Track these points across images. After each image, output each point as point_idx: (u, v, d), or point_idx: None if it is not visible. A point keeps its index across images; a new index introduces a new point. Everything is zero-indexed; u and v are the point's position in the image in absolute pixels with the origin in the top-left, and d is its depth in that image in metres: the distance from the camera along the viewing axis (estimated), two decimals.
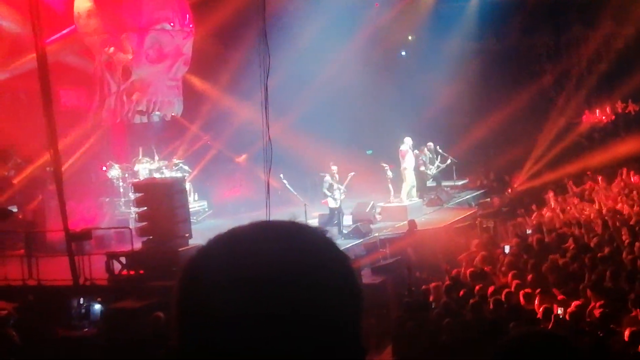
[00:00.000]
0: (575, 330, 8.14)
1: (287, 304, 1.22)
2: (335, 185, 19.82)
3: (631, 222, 15.10)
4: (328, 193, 19.73)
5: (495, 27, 27.07)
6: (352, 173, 20.20)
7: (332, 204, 19.73)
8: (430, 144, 24.10)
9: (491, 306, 9.79)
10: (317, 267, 1.28)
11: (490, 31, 27.09)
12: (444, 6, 28.68)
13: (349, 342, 1.29)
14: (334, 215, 19.64)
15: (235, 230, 1.35)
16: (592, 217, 16.83)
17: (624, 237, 13.83)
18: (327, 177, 19.86)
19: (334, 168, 20.10)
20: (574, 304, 8.95)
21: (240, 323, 1.22)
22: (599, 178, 22.03)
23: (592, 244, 13.41)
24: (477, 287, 11.26)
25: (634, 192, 19.07)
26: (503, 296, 10.09)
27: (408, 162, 21.93)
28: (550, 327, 8.35)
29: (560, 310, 8.69)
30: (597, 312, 8.49)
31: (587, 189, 21.29)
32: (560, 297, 9.71)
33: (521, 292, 10.20)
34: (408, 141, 22.20)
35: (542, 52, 28.14)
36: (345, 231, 19.28)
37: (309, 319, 1.23)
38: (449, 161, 24.29)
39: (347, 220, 20.21)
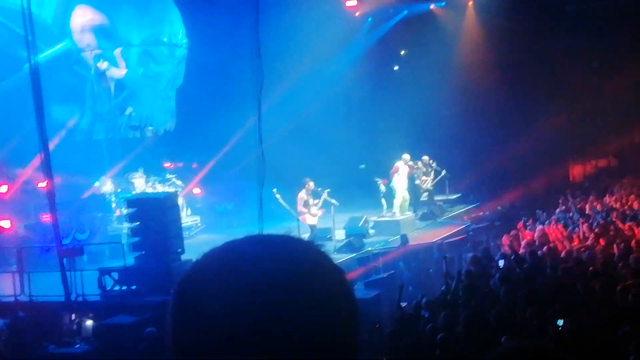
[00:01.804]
0: (574, 344, 8.13)
1: (282, 318, 1.21)
2: (311, 202, 19.64)
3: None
4: (304, 210, 19.53)
5: (488, 38, 27.17)
6: (327, 190, 19.92)
7: (309, 220, 19.54)
8: (425, 157, 24.07)
9: (487, 320, 9.77)
10: (313, 281, 1.27)
11: (484, 43, 27.19)
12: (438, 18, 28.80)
13: (344, 356, 1.28)
14: (313, 232, 19.32)
15: (229, 244, 1.34)
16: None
17: (615, 251, 13.84)
18: (302, 194, 19.60)
19: (311, 184, 19.85)
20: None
21: (236, 338, 1.21)
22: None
23: (584, 258, 13.42)
24: (471, 302, 11.26)
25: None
26: (498, 310, 10.07)
27: (400, 179, 21.90)
28: (548, 340, 8.34)
29: (560, 322, 8.69)
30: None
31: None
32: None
33: (516, 305, 10.20)
34: (406, 157, 22.22)
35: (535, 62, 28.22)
36: (337, 245, 19.23)
37: (304, 333, 1.22)
38: (442, 173, 24.29)
39: (340, 234, 20.17)
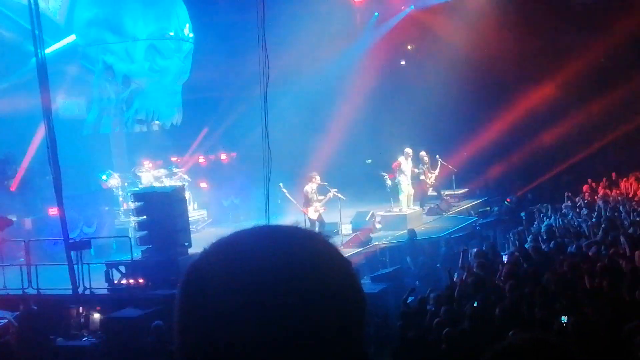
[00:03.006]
0: (579, 338, 8.11)
1: (289, 308, 1.21)
2: (316, 197, 19.57)
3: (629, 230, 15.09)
4: (308, 203, 19.45)
5: (495, 32, 27.05)
6: (335, 189, 19.77)
7: (311, 214, 19.47)
8: (422, 152, 23.80)
9: (492, 314, 9.76)
10: (320, 272, 1.27)
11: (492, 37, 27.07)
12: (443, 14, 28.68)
13: (352, 348, 1.28)
14: (314, 226, 18.91)
15: (237, 235, 1.34)
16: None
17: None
18: (307, 187, 19.52)
19: (317, 177, 19.76)
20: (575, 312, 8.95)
21: (242, 328, 1.20)
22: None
23: (590, 253, 13.38)
24: (477, 296, 11.25)
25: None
26: (504, 304, 10.06)
27: (403, 174, 21.86)
28: (552, 334, 8.34)
29: (563, 319, 8.67)
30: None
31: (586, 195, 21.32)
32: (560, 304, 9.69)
33: (521, 301, 10.18)
34: (408, 152, 22.15)
35: (542, 58, 28.08)
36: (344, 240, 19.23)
37: (311, 324, 1.22)
38: (437, 169, 24.06)
39: (347, 229, 20.17)
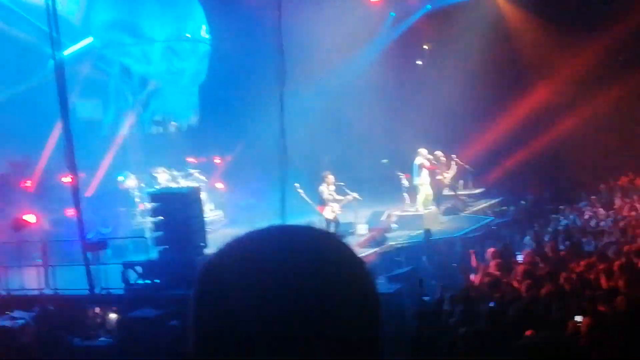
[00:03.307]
0: (594, 338, 8.08)
1: (303, 309, 1.20)
2: (332, 197, 19.34)
3: None
4: (324, 203, 19.24)
5: (513, 32, 26.97)
6: (354, 194, 19.59)
7: (327, 214, 19.27)
8: (438, 152, 23.79)
9: (508, 314, 9.74)
10: (334, 272, 1.26)
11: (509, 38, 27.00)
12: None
13: (367, 349, 1.27)
14: (329, 226, 18.56)
15: (252, 234, 1.33)
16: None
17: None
18: (323, 187, 19.28)
19: (330, 177, 19.48)
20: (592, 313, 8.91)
21: (256, 327, 1.20)
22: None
23: (609, 252, 13.32)
24: (493, 296, 11.22)
25: None
26: (520, 305, 10.03)
27: (423, 175, 21.84)
28: (568, 335, 8.30)
29: (579, 318, 8.63)
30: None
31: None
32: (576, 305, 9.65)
33: (538, 301, 10.15)
34: (423, 152, 22.09)
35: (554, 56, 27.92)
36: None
37: (325, 325, 1.21)
38: (453, 169, 24.01)
39: (363, 228, 20.15)
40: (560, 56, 27.73)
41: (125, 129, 23.55)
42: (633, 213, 17.76)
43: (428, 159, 22.19)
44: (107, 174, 22.80)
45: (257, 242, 1.32)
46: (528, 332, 7.36)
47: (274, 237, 1.32)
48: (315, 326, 1.21)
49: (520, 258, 14.35)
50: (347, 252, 1.33)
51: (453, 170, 24.02)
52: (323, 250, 1.30)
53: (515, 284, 11.99)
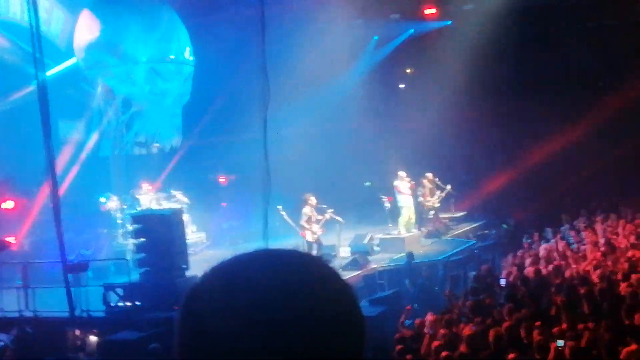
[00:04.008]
0: None
1: (289, 333, 1.20)
2: (314, 218, 19.30)
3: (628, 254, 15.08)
4: (306, 226, 19.14)
5: (495, 57, 27.16)
6: (331, 210, 19.56)
7: (309, 237, 19.16)
8: (429, 174, 24.02)
9: (490, 339, 9.75)
10: (320, 297, 1.26)
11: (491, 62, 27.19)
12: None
13: None
14: (312, 249, 18.61)
15: (237, 258, 1.33)
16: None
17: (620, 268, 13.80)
18: (306, 209, 19.23)
19: (312, 198, 19.43)
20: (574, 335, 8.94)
21: (242, 352, 1.20)
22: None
23: (590, 276, 13.38)
24: (475, 319, 11.24)
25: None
26: (502, 329, 10.05)
27: (404, 197, 21.89)
28: (549, 359, 8.33)
29: (560, 343, 8.65)
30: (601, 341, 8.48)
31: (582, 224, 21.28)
32: (557, 328, 9.68)
33: (520, 325, 10.16)
34: (402, 175, 22.13)
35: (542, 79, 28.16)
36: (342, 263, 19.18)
37: (311, 349, 1.21)
38: (447, 188, 24.19)
39: (345, 251, 20.14)
40: (544, 79, 27.99)
41: (107, 150, 23.47)
42: (614, 237, 17.85)
43: (408, 182, 22.22)
44: (88, 195, 22.66)
45: (242, 267, 1.31)
46: (511, 356, 7.40)
47: (260, 262, 1.32)
48: (302, 350, 1.21)
49: (502, 282, 14.38)
50: (332, 277, 1.33)
51: (439, 194, 24.10)
52: (309, 274, 1.30)
53: (499, 308, 12.02)
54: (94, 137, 23.31)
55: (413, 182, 22.44)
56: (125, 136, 23.10)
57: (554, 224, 21.39)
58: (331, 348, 1.23)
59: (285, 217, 19.84)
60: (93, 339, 14.21)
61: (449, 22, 28.64)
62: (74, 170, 22.04)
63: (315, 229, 19.25)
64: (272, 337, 1.20)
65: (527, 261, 16.62)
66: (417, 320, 12.23)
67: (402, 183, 22.01)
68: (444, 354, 9.52)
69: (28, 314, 15.57)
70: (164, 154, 24.46)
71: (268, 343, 1.20)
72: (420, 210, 23.56)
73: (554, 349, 8.63)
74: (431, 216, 24.07)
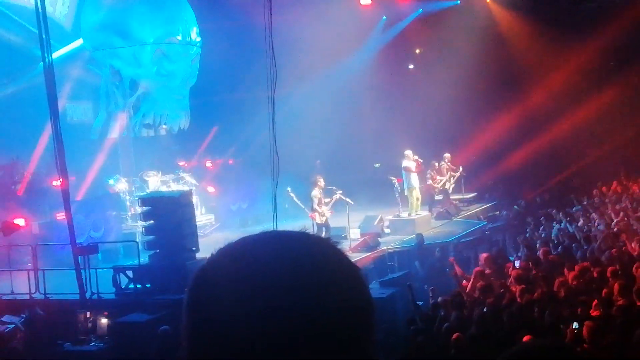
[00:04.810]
0: (590, 344, 8.04)
1: (296, 314, 1.20)
2: (324, 200, 19.34)
3: None
4: (318, 208, 19.19)
5: (504, 36, 27.00)
6: (340, 191, 19.63)
7: (318, 219, 19.21)
8: (447, 154, 24.09)
9: (502, 320, 9.70)
10: (328, 278, 1.26)
11: (500, 42, 27.01)
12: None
13: (360, 353, 1.26)
14: (321, 231, 18.67)
15: (245, 240, 1.34)
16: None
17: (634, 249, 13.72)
18: (315, 191, 19.25)
19: (322, 180, 19.52)
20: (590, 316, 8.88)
21: (250, 333, 1.20)
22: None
23: (602, 258, 13.30)
24: (486, 301, 11.19)
25: None
26: (513, 310, 10.01)
27: (413, 178, 21.78)
28: (566, 340, 8.27)
29: (575, 325, 8.59)
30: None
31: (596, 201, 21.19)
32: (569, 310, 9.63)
33: (531, 306, 10.11)
34: (408, 154, 22.00)
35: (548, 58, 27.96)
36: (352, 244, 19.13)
37: (318, 330, 1.21)
38: (459, 172, 24.23)
39: (355, 233, 20.09)
40: (553, 60, 27.79)
41: (115, 132, 23.41)
42: (625, 219, 17.74)
43: (415, 160, 22.06)
44: (98, 178, 22.65)
45: (250, 248, 1.31)
46: (526, 338, 7.32)
47: (268, 243, 1.32)
48: (310, 332, 1.20)
49: (514, 263, 14.31)
50: (341, 258, 1.33)
51: (448, 176, 24.05)
52: (317, 256, 1.30)
53: (510, 289, 11.96)
54: (102, 120, 23.24)
55: (420, 160, 22.29)
56: (132, 118, 23.02)
57: (565, 206, 21.29)
58: (340, 330, 1.23)
59: (295, 198, 19.81)
60: (103, 321, 14.22)
61: (458, 2, 28.47)
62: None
63: (325, 211, 19.23)
64: (281, 318, 1.20)
65: (538, 242, 16.54)
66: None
67: (410, 162, 21.87)
68: (455, 335, 9.48)
69: (38, 296, 15.61)
70: (172, 135, 24.40)
71: (275, 324, 1.20)
72: (432, 193, 23.50)
73: (569, 332, 8.57)
74: (440, 197, 24.02)
